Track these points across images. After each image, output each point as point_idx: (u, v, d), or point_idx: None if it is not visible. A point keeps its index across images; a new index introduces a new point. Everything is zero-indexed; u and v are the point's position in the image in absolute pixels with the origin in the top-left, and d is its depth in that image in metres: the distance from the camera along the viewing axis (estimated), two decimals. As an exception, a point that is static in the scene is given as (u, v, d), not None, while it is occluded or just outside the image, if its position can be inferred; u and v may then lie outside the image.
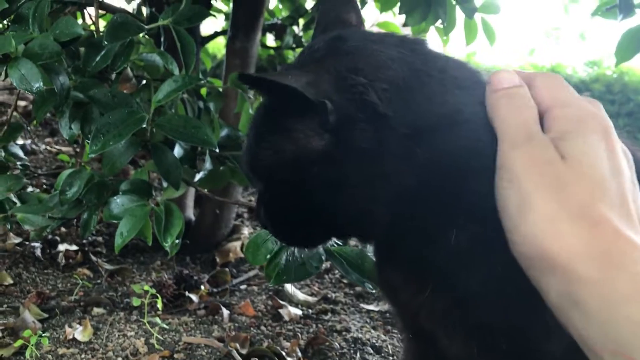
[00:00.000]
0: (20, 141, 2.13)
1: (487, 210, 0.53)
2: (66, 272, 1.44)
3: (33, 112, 1.06)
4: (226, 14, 1.98)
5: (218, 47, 3.10)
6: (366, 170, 0.56)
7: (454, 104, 0.56)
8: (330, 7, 0.69)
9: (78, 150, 1.46)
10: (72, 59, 1.08)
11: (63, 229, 1.61)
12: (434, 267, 0.58)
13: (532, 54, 4.54)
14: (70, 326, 1.17)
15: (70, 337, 1.13)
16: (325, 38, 0.62)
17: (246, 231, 1.72)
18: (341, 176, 0.56)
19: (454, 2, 1.37)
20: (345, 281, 1.51)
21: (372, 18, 1.80)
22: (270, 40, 2.02)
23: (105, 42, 0.95)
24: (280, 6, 1.92)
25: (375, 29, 1.47)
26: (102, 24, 1.10)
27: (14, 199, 1.15)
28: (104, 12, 1.30)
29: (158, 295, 1.21)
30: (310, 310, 1.35)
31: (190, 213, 1.69)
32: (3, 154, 1.20)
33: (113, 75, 1.10)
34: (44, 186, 1.85)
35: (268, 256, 0.90)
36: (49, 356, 1.07)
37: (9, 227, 1.14)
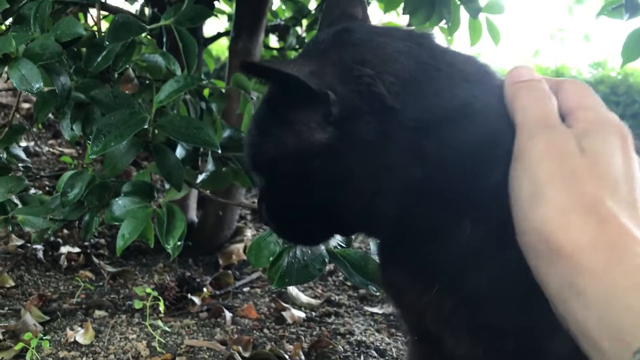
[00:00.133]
0: (23, 143, 2.13)
1: (496, 207, 0.52)
2: (68, 274, 1.44)
3: (34, 114, 1.05)
4: (229, 15, 1.97)
5: (221, 49, 3.10)
6: (371, 164, 0.55)
7: (463, 97, 0.55)
8: (335, 2, 0.68)
9: (81, 152, 1.45)
10: (74, 60, 1.08)
11: (65, 231, 1.61)
12: (441, 265, 0.57)
13: (537, 55, 4.54)
14: (71, 329, 1.16)
15: (72, 340, 1.12)
16: (330, 31, 0.61)
17: (249, 233, 1.71)
18: (345, 170, 0.55)
19: (458, 2, 1.36)
20: (348, 284, 1.50)
21: (376, 18, 1.79)
22: (273, 41, 2.02)
23: (107, 43, 0.95)
24: (283, 7, 1.92)
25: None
26: (104, 25, 1.09)
27: (16, 201, 1.15)
28: (106, 13, 1.30)
29: (160, 297, 1.21)
30: (313, 313, 1.34)
31: (193, 215, 1.68)
32: (5, 155, 1.19)
33: (115, 76, 1.09)
34: (47, 188, 1.85)
35: (271, 258, 0.89)
36: (50, 359, 1.06)
37: (10, 229, 1.13)
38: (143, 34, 1.10)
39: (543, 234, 0.47)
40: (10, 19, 1.01)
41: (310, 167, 0.56)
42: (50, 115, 2.15)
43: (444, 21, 1.34)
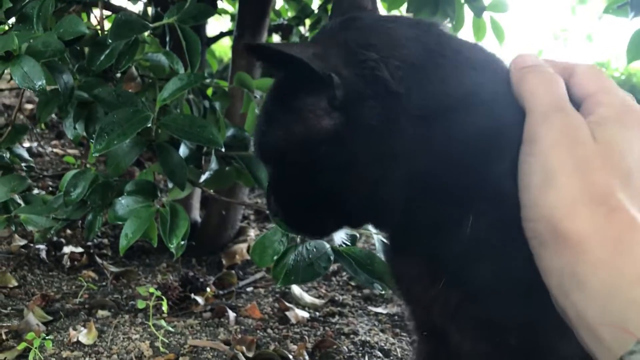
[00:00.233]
0: (26, 144, 2.13)
1: (502, 199, 0.52)
2: (71, 274, 1.43)
3: (37, 113, 1.05)
4: (232, 15, 1.97)
5: (224, 50, 3.10)
6: (375, 150, 0.54)
7: (469, 85, 0.55)
8: None
9: (84, 152, 1.45)
10: (77, 59, 1.07)
11: (68, 231, 1.60)
12: (447, 258, 0.56)
13: (540, 55, 4.52)
14: (74, 329, 1.16)
15: (75, 340, 1.11)
16: (337, 19, 0.61)
17: (252, 233, 1.71)
18: (350, 156, 0.55)
19: (462, 1, 1.36)
20: (353, 284, 1.50)
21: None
22: (277, 40, 2.02)
23: (110, 41, 0.94)
24: (286, 6, 1.91)
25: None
26: (107, 25, 1.09)
27: (19, 201, 1.14)
28: (109, 13, 1.30)
29: (163, 297, 1.20)
30: (317, 313, 1.33)
31: (196, 215, 1.68)
32: (8, 155, 1.19)
33: (118, 75, 1.09)
34: (50, 188, 1.84)
35: (275, 257, 0.88)
36: (53, 359, 1.06)
37: (13, 229, 1.13)
38: (146, 33, 1.09)
39: (551, 222, 0.47)
40: (14, 18, 1.00)
41: (317, 154, 0.56)
42: (53, 116, 2.16)
43: (448, 20, 1.34)
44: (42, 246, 1.49)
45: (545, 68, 0.54)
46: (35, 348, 1.02)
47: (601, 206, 0.46)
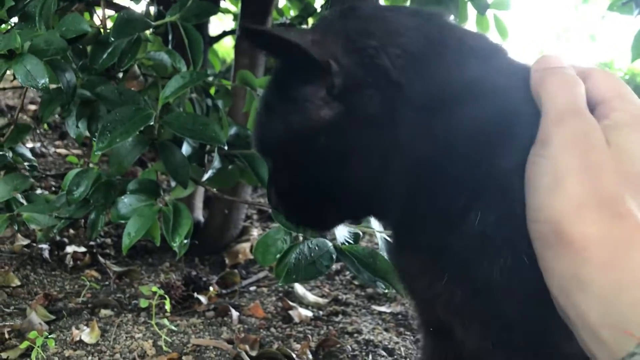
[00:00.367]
0: (29, 144, 2.13)
1: (508, 195, 0.51)
2: (74, 273, 1.43)
3: (39, 112, 1.05)
4: (234, 14, 1.97)
5: (228, 51, 3.10)
6: (376, 141, 0.53)
7: (472, 75, 0.54)
8: None
9: (87, 152, 1.45)
10: (79, 57, 1.07)
11: (71, 231, 1.60)
12: (451, 252, 0.55)
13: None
14: (77, 328, 1.15)
15: (77, 339, 1.11)
16: (337, 9, 0.60)
17: (255, 232, 1.71)
18: (350, 147, 0.54)
19: (466, -1, 1.35)
20: (356, 282, 1.49)
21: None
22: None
23: (112, 39, 0.94)
24: (289, 5, 1.91)
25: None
26: (110, 25, 1.09)
27: (22, 200, 1.14)
28: (112, 12, 1.30)
29: (166, 296, 1.20)
30: (320, 312, 1.33)
31: (199, 214, 1.68)
32: (11, 154, 1.19)
33: (120, 74, 1.09)
34: (53, 188, 1.84)
35: (278, 256, 0.88)
36: (55, 358, 1.05)
37: (16, 228, 1.13)
38: (149, 31, 1.09)
39: (556, 225, 0.46)
40: (16, 18, 1.01)
41: (317, 145, 0.55)
42: (56, 116, 2.16)
43: (451, 17, 1.33)
44: (44, 245, 1.49)
45: (568, 71, 0.53)
46: (38, 347, 1.02)
47: (608, 210, 0.45)
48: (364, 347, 1.18)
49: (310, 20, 1.83)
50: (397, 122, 0.53)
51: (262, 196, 2.03)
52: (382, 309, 1.36)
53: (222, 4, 1.67)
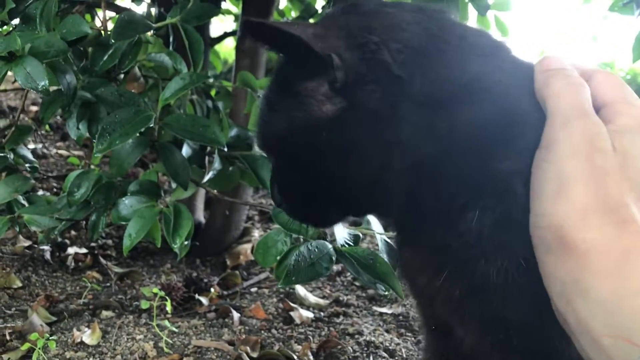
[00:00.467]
0: (31, 145, 2.13)
1: (509, 198, 0.51)
2: (75, 275, 1.43)
3: (40, 113, 1.05)
4: (235, 16, 1.97)
5: (230, 52, 3.10)
6: (377, 136, 0.53)
7: (473, 72, 0.53)
8: None
9: (88, 153, 1.45)
10: (80, 59, 1.07)
11: (73, 233, 1.61)
12: (450, 250, 0.55)
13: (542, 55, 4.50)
14: (78, 329, 1.16)
15: (79, 340, 1.11)
16: (340, 5, 0.60)
17: (256, 234, 1.71)
18: (352, 143, 0.54)
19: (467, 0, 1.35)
20: (357, 284, 1.49)
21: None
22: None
23: (113, 41, 0.94)
24: (290, 6, 1.91)
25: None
26: (111, 26, 1.09)
27: (23, 202, 1.15)
28: (113, 14, 1.30)
29: (167, 298, 1.20)
30: (322, 313, 1.33)
31: (201, 215, 1.68)
32: (12, 156, 1.19)
33: (121, 75, 1.09)
34: (54, 189, 1.85)
35: (278, 257, 0.88)
36: (57, 360, 1.06)
37: (17, 229, 1.13)
38: (149, 33, 1.09)
39: (559, 232, 0.46)
40: (17, 20, 1.01)
41: (319, 141, 0.55)
42: (58, 118, 2.16)
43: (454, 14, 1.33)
44: (46, 247, 1.49)
45: (571, 72, 0.53)
46: (39, 348, 1.02)
47: (612, 217, 0.45)
48: (365, 349, 1.18)
49: (312, 21, 1.83)
50: (399, 118, 0.53)
51: (263, 197, 2.03)
52: (384, 310, 1.36)
53: (223, 5, 1.67)
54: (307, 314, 1.30)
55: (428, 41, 0.54)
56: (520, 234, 0.50)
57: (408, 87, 0.52)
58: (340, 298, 1.40)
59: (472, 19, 1.40)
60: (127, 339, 1.14)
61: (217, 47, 1.87)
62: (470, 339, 0.59)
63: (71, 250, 1.51)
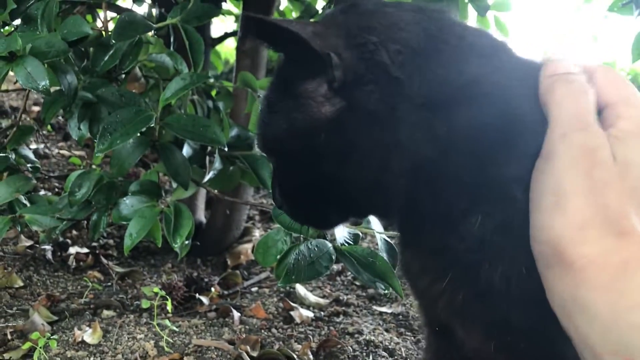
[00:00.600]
0: (33, 146, 2.14)
1: (510, 204, 0.51)
2: (76, 274, 1.44)
3: (41, 113, 1.05)
4: (236, 16, 1.97)
5: (231, 52, 3.10)
6: (377, 138, 0.53)
7: (471, 73, 0.53)
8: None
9: (89, 153, 1.46)
10: (81, 60, 1.08)
11: (74, 232, 1.61)
12: (453, 254, 0.55)
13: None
14: (79, 329, 1.16)
15: (80, 339, 1.12)
16: (340, 5, 0.60)
17: (257, 233, 1.71)
18: (352, 144, 0.54)
19: (466, 0, 1.35)
20: (357, 283, 1.50)
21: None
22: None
23: (114, 41, 0.95)
24: (291, 7, 1.91)
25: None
26: (112, 27, 1.09)
27: (24, 201, 1.15)
28: (114, 14, 1.30)
29: (168, 297, 1.20)
30: (322, 313, 1.33)
31: (201, 215, 1.68)
32: (14, 156, 1.19)
33: (122, 76, 1.09)
34: (56, 189, 1.85)
35: (278, 257, 0.88)
36: (58, 359, 1.06)
37: (19, 229, 1.14)
38: (150, 34, 1.10)
39: (558, 247, 0.46)
40: (19, 20, 1.01)
41: (319, 143, 0.55)
42: (60, 118, 2.17)
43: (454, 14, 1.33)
44: (47, 247, 1.50)
45: (576, 77, 0.51)
46: (40, 348, 1.03)
47: (612, 228, 0.44)
48: (365, 348, 1.18)
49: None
50: (397, 120, 0.52)
51: (263, 197, 2.03)
52: (383, 309, 1.36)
53: (224, 6, 1.68)
54: (307, 314, 1.30)
55: (427, 41, 0.53)
56: (520, 243, 0.50)
57: (406, 89, 0.52)
58: (340, 297, 1.41)
59: (472, 20, 1.41)
60: (128, 338, 1.14)
61: (218, 47, 1.88)
62: (473, 341, 0.59)
63: (72, 249, 1.52)
